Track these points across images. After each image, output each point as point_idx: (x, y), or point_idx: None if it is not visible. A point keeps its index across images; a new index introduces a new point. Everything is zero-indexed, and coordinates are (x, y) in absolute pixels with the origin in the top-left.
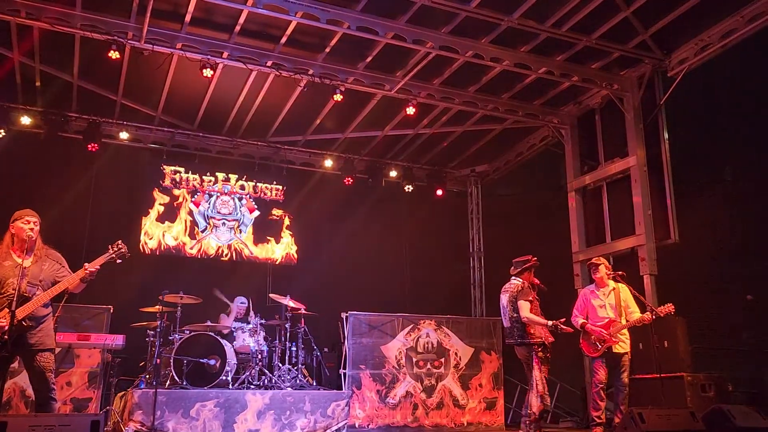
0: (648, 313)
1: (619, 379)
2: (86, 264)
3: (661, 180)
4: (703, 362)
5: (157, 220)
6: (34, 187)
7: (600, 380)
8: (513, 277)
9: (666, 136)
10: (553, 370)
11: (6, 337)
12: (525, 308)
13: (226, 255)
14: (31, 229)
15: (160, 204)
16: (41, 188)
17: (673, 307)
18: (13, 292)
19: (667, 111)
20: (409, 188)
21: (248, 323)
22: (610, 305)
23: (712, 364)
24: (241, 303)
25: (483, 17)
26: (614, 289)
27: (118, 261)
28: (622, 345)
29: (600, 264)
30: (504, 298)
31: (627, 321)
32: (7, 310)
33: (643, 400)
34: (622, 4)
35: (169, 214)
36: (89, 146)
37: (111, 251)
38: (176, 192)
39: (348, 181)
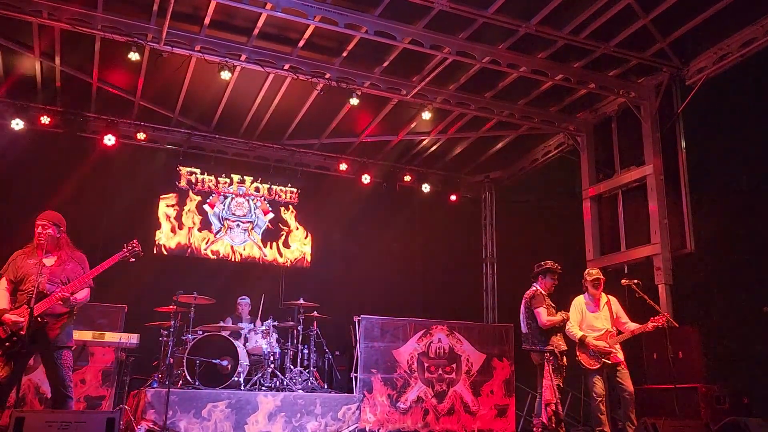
0: (649, 322)
1: (623, 389)
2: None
3: (678, 189)
4: (718, 374)
5: (172, 220)
6: (52, 185)
7: (599, 394)
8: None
9: (683, 144)
10: (567, 379)
11: (23, 332)
12: (543, 314)
13: (240, 256)
14: (40, 234)
15: (175, 205)
16: (59, 187)
17: (668, 314)
18: (33, 289)
19: (684, 120)
20: (426, 188)
21: (252, 324)
22: (605, 317)
23: (727, 376)
24: (244, 302)
25: (500, 23)
26: (607, 301)
27: (132, 260)
28: (618, 355)
29: (602, 278)
30: (522, 304)
31: (622, 332)
32: (26, 306)
33: (657, 411)
34: (640, 11)
35: (185, 215)
36: (107, 139)
37: (125, 250)
38: (192, 193)
39: (365, 179)
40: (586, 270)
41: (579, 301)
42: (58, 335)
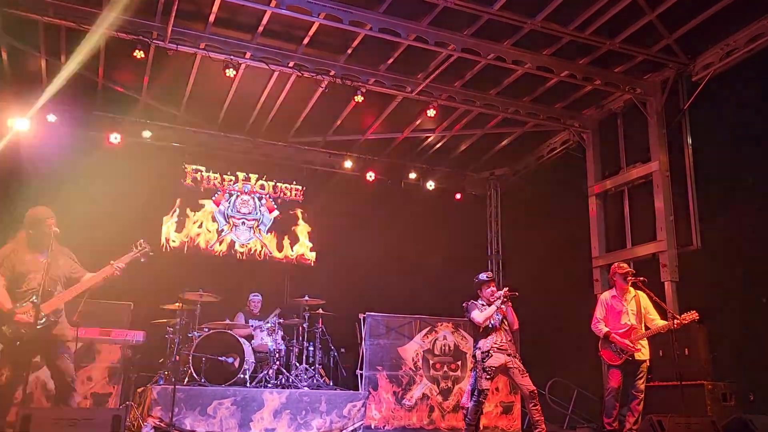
0: (670, 320)
1: (634, 386)
2: (113, 261)
3: (684, 185)
4: (723, 371)
5: (177, 218)
6: (57, 184)
7: (613, 387)
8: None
9: (689, 141)
10: (572, 376)
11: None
12: (477, 315)
13: (245, 254)
14: (55, 232)
15: (181, 202)
16: (65, 185)
17: (696, 314)
18: (37, 287)
19: (690, 116)
20: (431, 185)
21: (267, 322)
22: (632, 312)
23: (733, 373)
24: (256, 299)
25: (506, 20)
26: (635, 295)
27: (143, 260)
28: (643, 353)
29: (632, 271)
30: None
31: (648, 328)
32: (30, 304)
33: (663, 408)
34: (646, 7)
35: (190, 213)
36: (113, 138)
37: (135, 251)
38: (197, 191)
39: (370, 177)
40: (616, 263)
41: (604, 297)
42: (59, 330)
